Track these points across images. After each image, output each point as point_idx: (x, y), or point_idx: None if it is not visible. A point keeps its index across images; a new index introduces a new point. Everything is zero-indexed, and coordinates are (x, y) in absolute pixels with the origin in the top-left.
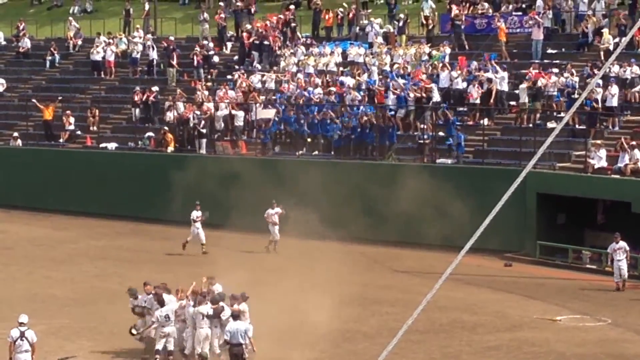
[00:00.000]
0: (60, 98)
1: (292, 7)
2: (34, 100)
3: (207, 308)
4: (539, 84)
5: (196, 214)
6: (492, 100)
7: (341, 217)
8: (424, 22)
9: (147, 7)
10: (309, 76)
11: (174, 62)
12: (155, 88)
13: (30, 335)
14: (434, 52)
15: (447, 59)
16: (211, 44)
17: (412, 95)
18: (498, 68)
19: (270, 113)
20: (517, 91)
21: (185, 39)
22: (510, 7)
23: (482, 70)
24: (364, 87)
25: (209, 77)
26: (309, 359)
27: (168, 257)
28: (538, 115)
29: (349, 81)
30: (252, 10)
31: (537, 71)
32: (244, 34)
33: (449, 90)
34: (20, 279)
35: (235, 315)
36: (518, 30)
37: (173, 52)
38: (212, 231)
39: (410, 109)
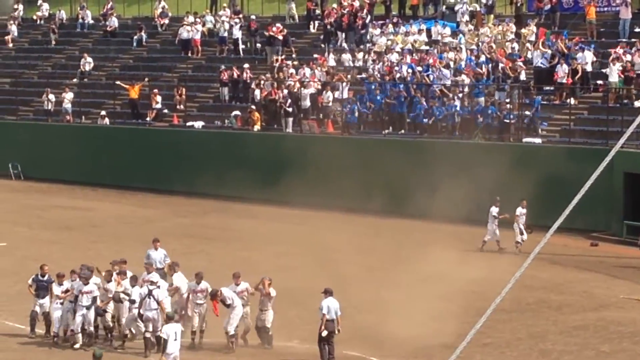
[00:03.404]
0: (147, 79)
1: None
2: (118, 82)
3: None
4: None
5: (496, 210)
6: (571, 79)
7: (427, 196)
8: (514, 1)
9: None
10: (397, 55)
11: (270, 41)
12: (246, 65)
13: (157, 294)
14: (523, 31)
15: (533, 38)
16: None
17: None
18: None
19: None
20: (604, 70)
21: (271, 18)
22: None
23: (569, 49)
24: (451, 66)
25: (295, 55)
26: (398, 337)
27: (254, 235)
28: (634, 95)
29: (436, 60)
30: None
31: (623, 50)
32: (326, 13)
33: (537, 70)
34: (108, 256)
35: (329, 292)
36: (606, 8)
37: (271, 32)
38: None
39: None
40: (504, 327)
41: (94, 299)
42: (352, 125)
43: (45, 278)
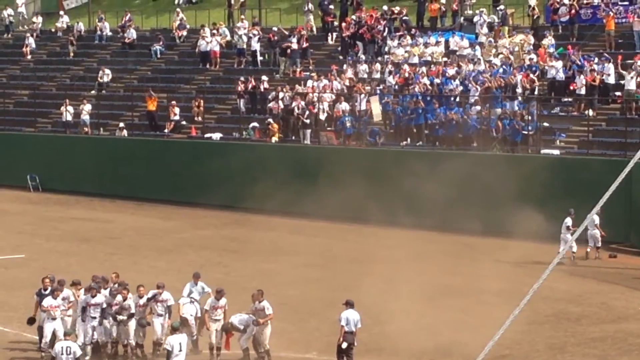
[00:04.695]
0: (150, 90)
1: None
2: (149, 91)
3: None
4: None
5: (570, 221)
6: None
7: (445, 208)
8: (530, 13)
9: None
10: (414, 67)
11: (287, 52)
12: (264, 77)
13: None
14: (543, 42)
15: (552, 50)
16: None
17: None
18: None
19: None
20: (622, 81)
21: (289, 30)
22: None
23: (588, 61)
24: (471, 78)
25: (312, 67)
26: (416, 348)
27: (272, 247)
28: None
29: (452, 72)
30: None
31: None
32: (344, 25)
33: (554, 81)
34: (125, 268)
35: (350, 304)
36: (624, 20)
37: (283, 43)
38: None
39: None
40: (522, 338)
41: (102, 311)
42: (349, 136)
43: (48, 292)
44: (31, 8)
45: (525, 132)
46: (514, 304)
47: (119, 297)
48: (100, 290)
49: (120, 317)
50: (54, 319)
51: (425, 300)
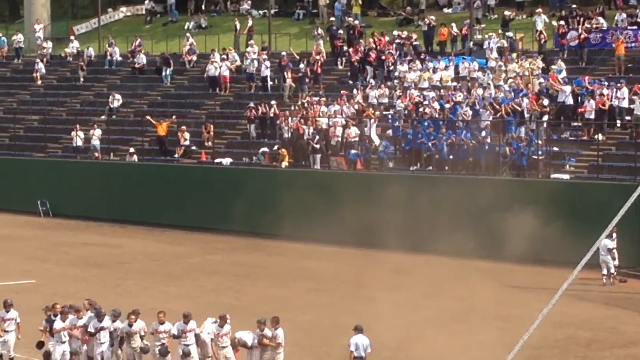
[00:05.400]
0: (174, 117)
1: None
2: (148, 117)
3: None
4: None
5: (610, 243)
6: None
7: (454, 232)
8: (537, 37)
9: (250, 22)
10: (424, 91)
11: (289, 77)
12: (273, 102)
13: None
14: (553, 67)
15: (564, 74)
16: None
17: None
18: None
19: None
20: (632, 106)
21: (299, 55)
22: (623, 16)
23: (597, 85)
24: (483, 102)
25: (321, 92)
26: None
27: (282, 272)
28: None
29: (461, 96)
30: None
31: None
32: (351, 50)
33: (563, 105)
34: (136, 293)
35: (359, 329)
36: (633, 44)
37: (287, 68)
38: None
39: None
40: None
41: (110, 334)
42: (353, 162)
43: (58, 318)
44: (41, 33)
45: (535, 157)
46: (523, 328)
47: (118, 323)
48: (106, 315)
49: (141, 344)
50: (63, 342)
51: (434, 325)
